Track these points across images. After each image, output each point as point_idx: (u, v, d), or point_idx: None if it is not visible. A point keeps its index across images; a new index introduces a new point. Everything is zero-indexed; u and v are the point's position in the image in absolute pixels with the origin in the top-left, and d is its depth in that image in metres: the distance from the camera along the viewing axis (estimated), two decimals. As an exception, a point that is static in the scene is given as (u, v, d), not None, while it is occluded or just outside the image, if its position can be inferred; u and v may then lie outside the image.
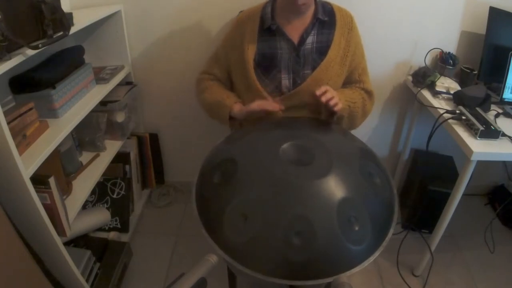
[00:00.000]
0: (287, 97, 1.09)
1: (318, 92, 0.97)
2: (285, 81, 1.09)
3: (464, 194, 1.27)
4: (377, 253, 0.68)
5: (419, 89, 1.51)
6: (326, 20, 1.09)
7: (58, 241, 1.06)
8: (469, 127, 1.22)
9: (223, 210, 0.68)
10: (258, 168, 0.73)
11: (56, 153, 1.11)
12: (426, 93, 1.48)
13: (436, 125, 1.29)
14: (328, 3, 1.13)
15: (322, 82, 1.07)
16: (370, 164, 0.80)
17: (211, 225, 0.70)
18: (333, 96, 0.98)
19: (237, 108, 1.11)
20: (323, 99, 0.96)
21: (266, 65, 1.09)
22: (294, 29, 1.08)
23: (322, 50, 1.09)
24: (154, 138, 1.82)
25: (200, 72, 1.30)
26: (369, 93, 1.18)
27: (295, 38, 1.08)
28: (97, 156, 1.44)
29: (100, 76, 1.42)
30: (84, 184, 1.29)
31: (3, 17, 0.79)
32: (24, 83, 1.09)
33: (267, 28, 1.08)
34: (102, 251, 1.42)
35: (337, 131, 0.97)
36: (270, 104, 1.05)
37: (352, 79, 1.17)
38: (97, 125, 1.43)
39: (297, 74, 1.09)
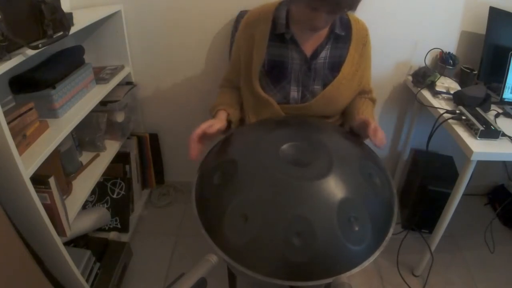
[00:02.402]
0: (294, 109, 1.05)
1: (373, 136, 0.86)
2: (294, 93, 1.04)
3: (464, 194, 1.27)
4: (377, 253, 0.67)
5: (419, 89, 1.51)
6: (342, 35, 1.03)
7: (58, 241, 1.06)
8: (469, 127, 1.21)
9: (223, 210, 0.68)
10: (258, 168, 0.72)
11: (56, 153, 1.11)
12: (426, 93, 1.48)
13: (436, 125, 1.29)
14: (345, 13, 1.06)
15: (333, 99, 1.04)
16: (370, 164, 0.80)
17: (211, 226, 0.70)
18: (383, 135, 0.88)
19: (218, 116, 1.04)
20: (378, 142, 0.85)
21: (276, 74, 1.03)
22: (308, 41, 1.02)
23: (334, 66, 1.03)
24: (154, 138, 1.82)
25: (221, 79, 1.23)
26: (374, 102, 1.17)
27: (308, 51, 1.02)
28: (97, 156, 1.44)
29: (100, 76, 1.42)
30: (84, 184, 1.29)
31: (3, 17, 0.79)
32: (24, 83, 1.09)
33: (280, 34, 1.01)
34: (102, 251, 1.42)
35: (337, 131, 0.97)
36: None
37: (364, 90, 1.14)
38: (97, 125, 1.43)
39: (307, 88, 1.04)
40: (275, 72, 1.03)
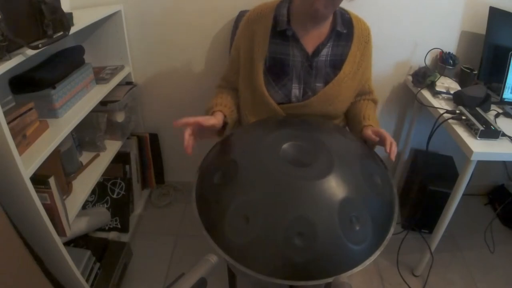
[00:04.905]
0: (295, 107, 1.05)
1: (390, 152, 0.88)
2: (295, 90, 1.04)
3: (464, 194, 1.27)
4: (377, 253, 0.67)
5: (419, 89, 1.51)
6: (344, 32, 1.03)
7: (58, 241, 1.06)
8: (469, 127, 1.22)
9: (224, 211, 0.68)
10: (259, 168, 0.72)
11: (56, 153, 1.10)
12: (426, 93, 1.48)
13: (436, 125, 1.29)
14: (346, 12, 1.06)
15: (333, 97, 1.03)
16: (371, 163, 0.80)
17: (212, 226, 0.70)
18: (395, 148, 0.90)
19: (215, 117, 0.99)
20: (393, 155, 0.88)
21: (277, 71, 1.03)
22: (310, 39, 1.01)
23: (336, 64, 1.03)
24: (154, 138, 1.82)
25: (219, 78, 1.21)
26: (376, 103, 1.16)
27: (310, 48, 1.01)
28: (97, 156, 1.44)
29: (100, 76, 1.42)
30: (84, 184, 1.29)
31: (3, 17, 0.79)
32: (24, 83, 1.09)
33: (281, 31, 1.01)
34: (102, 251, 1.42)
35: (338, 131, 0.97)
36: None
37: (364, 90, 1.13)
38: (97, 125, 1.43)
39: (308, 85, 1.04)
40: (276, 70, 1.03)
